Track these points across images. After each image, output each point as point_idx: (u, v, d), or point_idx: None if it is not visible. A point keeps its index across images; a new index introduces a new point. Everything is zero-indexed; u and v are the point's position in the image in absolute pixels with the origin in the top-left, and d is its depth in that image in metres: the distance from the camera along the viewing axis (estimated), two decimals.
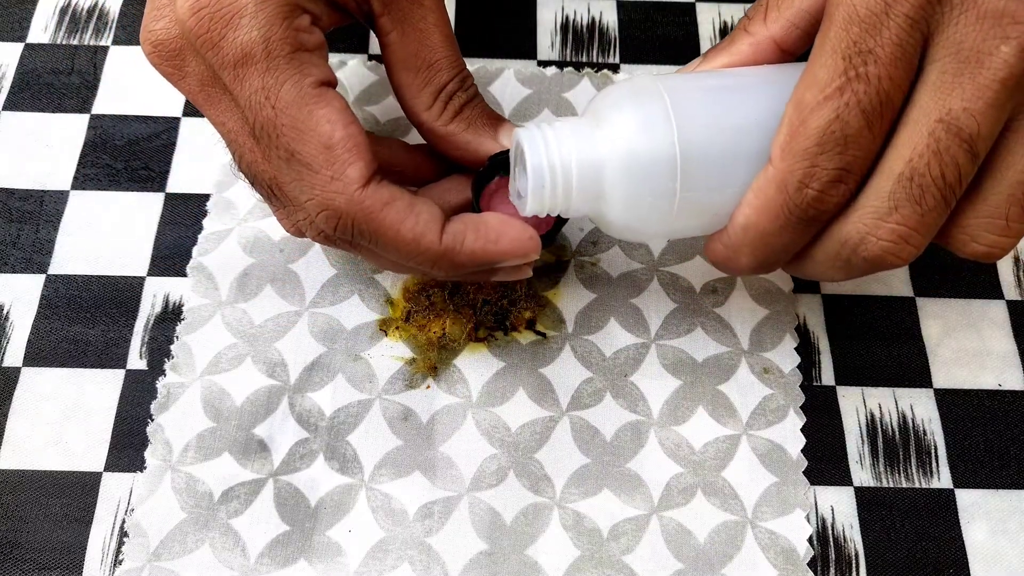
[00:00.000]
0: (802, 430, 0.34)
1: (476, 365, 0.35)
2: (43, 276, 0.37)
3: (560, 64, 0.43)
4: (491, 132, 0.33)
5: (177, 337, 0.36)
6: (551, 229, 0.33)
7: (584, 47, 0.43)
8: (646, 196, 0.28)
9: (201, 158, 0.40)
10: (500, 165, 0.32)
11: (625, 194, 0.29)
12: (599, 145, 0.29)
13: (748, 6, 0.44)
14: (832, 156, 0.26)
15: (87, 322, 0.36)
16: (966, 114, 0.25)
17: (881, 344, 0.37)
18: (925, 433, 0.35)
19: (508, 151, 0.32)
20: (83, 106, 0.41)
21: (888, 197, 0.26)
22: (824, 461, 0.34)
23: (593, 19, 0.44)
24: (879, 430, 0.35)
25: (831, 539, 0.33)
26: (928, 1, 0.25)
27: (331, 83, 0.29)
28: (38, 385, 0.35)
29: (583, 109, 0.31)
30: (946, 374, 0.36)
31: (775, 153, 0.27)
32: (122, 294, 0.37)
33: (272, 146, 0.28)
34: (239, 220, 0.38)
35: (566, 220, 0.33)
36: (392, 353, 0.35)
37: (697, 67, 0.31)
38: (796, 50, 0.30)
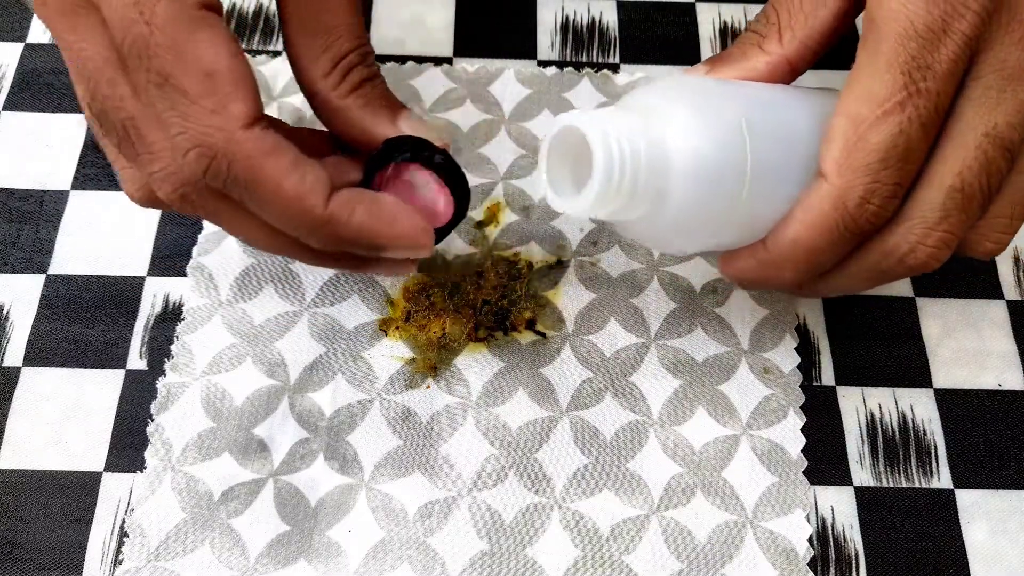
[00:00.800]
0: (802, 430, 0.34)
1: (476, 365, 0.35)
2: (43, 276, 0.37)
3: (560, 64, 0.43)
4: (389, 115, 0.30)
5: (177, 337, 0.36)
6: (444, 226, 0.31)
7: (584, 47, 0.43)
8: (709, 201, 0.27)
9: None
10: (396, 149, 0.30)
11: (687, 198, 0.27)
12: (667, 145, 0.27)
13: (748, 6, 0.44)
14: (893, 171, 0.26)
15: (87, 322, 0.36)
16: (1009, 128, 0.26)
17: (881, 344, 0.37)
18: (925, 433, 0.35)
19: (407, 137, 0.30)
20: None
21: (939, 207, 0.27)
22: (824, 461, 0.34)
23: (593, 19, 0.44)
24: (879, 430, 0.35)
25: (831, 539, 0.33)
26: (983, 20, 0.26)
27: (216, 8, 0.26)
28: (38, 385, 0.35)
29: (622, 103, 0.29)
30: (946, 374, 0.36)
31: (829, 169, 0.27)
32: (122, 294, 0.37)
33: (142, 69, 0.25)
34: None
35: (462, 218, 0.31)
36: (392, 353, 0.35)
37: (708, 75, 0.30)
38: (804, 69, 0.30)
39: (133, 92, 0.26)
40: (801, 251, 0.28)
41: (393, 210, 0.28)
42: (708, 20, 0.44)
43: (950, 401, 0.36)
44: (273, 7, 0.30)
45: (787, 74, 0.30)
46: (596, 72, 0.42)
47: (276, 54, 0.42)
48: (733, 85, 0.29)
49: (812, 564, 0.32)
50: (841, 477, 0.34)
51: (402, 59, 0.42)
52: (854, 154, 0.26)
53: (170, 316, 0.36)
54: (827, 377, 0.36)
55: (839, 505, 0.34)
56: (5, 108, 0.41)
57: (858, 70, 0.27)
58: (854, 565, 0.33)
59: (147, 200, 0.29)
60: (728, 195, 0.27)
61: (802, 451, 0.34)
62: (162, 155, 0.26)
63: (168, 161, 0.26)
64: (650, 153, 0.27)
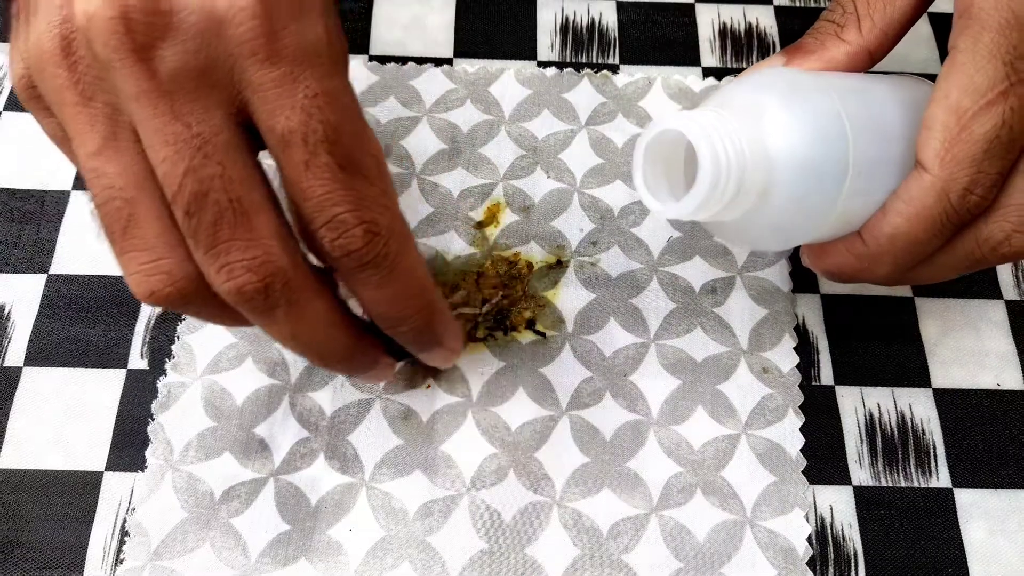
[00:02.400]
0: (801, 430, 0.35)
1: (476, 365, 0.35)
2: (44, 276, 0.37)
3: (560, 65, 0.43)
4: None
5: (178, 337, 0.36)
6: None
7: (584, 48, 0.43)
8: (812, 197, 0.27)
9: None
10: None
11: (790, 195, 0.27)
12: (769, 142, 0.27)
13: (748, 7, 0.45)
14: (995, 160, 0.26)
15: (88, 322, 0.36)
16: None
17: (880, 344, 0.37)
18: (924, 433, 0.35)
19: None
20: None
21: None
22: (823, 460, 0.34)
23: (593, 20, 0.44)
24: (878, 430, 0.35)
25: (830, 538, 0.33)
26: None
27: None
28: (39, 385, 0.35)
29: (712, 102, 0.29)
30: (945, 374, 0.36)
31: (930, 161, 0.27)
32: (123, 294, 0.37)
33: (335, 154, 0.24)
34: None
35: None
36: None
37: (786, 67, 0.30)
38: (881, 58, 0.30)
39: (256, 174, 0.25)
40: (901, 244, 0.28)
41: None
42: (708, 21, 0.44)
43: (949, 401, 0.36)
44: None
45: (866, 64, 0.30)
46: (596, 73, 0.42)
47: None
48: (824, 77, 0.29)
49: (811, 563, 0.32)
50: (840, 476, 0.34)
51: (402, 60, 0.42)
52: (957, 145, 0.26)
53: (171, 316, 0.36)
54: (826, 377, 0.36)
55: (838, 504, 0.34)
56: (6, 108, 0.41)
57: (956, 60, 0.27)
58: (853, 564, 0.33)
59: (187, 291, 0.25)
60: (830, 190, 0.27)
61: (801, 450, 0.34)
62: (263, 241, 0.24)
63: (269, 247, 0.24)
64: (753, 152, 0.26)
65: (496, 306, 0.36)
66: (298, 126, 0.23)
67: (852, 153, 0.27)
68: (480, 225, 0.38)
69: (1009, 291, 0.38)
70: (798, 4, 0.45)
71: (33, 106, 0.26)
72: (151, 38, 0.23)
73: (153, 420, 0.34)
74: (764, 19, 0.44)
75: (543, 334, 0.36)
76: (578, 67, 0.43)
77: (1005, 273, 0.39)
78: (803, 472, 0.34)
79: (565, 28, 0.44)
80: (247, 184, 0.24)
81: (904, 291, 0.38)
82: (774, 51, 0.43)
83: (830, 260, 0.30)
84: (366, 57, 0.43)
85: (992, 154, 0.26)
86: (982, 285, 0.38)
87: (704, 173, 0.26)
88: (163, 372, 0.35)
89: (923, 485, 0.34)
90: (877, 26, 0.29)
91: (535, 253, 0.38)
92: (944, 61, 0.27)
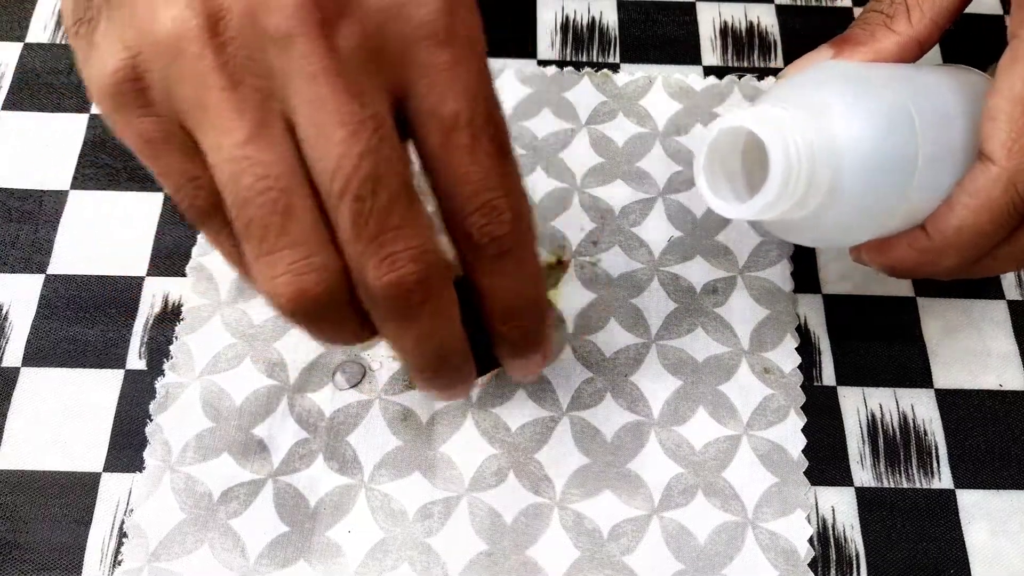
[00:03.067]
0: (803, 430, 0.34)
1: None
2: (42, 276, 0.37)
3: (560, 64, 0.43)
4: None
5: (176, 337, 0.36)
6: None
7: (584, 47, 0.43)
8: (880, 192, 0.27)
9: None
10: None
11: (859, 191, 0.27)
12: (837, 138, 0.26)
13: (748, 6, 0.44)
14: None
15: (86, 322, 0.36)
16: None
17: (882, 344, 0.37)
18: (926, 433, 0.35)
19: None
20: (83, 106, 0.41)
21: None
22: (825, 461, 0.34)
23: (593, 19, 0.44)
24: (880, 430, 0.35)
25: (832, 539, 0.33)
26: None
27: None
28: (37, 385, 0.35)
29: (772, 97, 0.28)
30: (947, 374, 0.36)
31: (996, 152, 0.27)
32: (121, 294, 0.37)
33: (495, 139, 0.24)
34: None
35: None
36: (392, 353, 0.35)
37: (836, 59, 0.30)
38: (930, 48, 0.30)
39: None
40: (967, 236, 0.28)
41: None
42: (708, 20, 0.44)
43: (951, 401, 0.36)
44: None
45: (916, 54, 0.29)
46: (596, 71, 0.42)
47: None
48: (886, 68, 0.29)
49: (813, 565, 0.32)
50: (842, 477, 0.34)
51: None
52: None
53: (169, 316, 0.36)
54: (828, 377, 0.36)
55: (840, 505, 0.33)
56: (4, 108, 0.41)
57: (1020, 50, 0.27)
58: (855, 566, 0.32)
59: (336, 292, 0.23)
60: (899, 184, 0.27)
61: (803, 451, 0.34)
62: (426, 229, 0.23)
63: (430, 236, 0.23)
64: (822, 148, 0.26)
65: None
66: (465, 109, 0.23)
67: (921, 146, 0.27)
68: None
69: (1011, 291, 0.38)
70: (799, 3, 0.45)
71: (129, 102, 0.23)
72: (335, 13, 0.22)
73: (151, 421, 0.34)
74: (765, 18, 0.44)
75: None
76: (578, 66, 0.43)
77: (1007, 273, 0.38)
78: (805, 473, 0.34)
79: (565, 27, 0.44)
80: (411, 169, 0.23)
81: (906, 291, 0.38)
82: (775, 50, 0.43)
83: (893, 255, 0.30)
84: None
85: None
86: (984, 285, 0.38)
87: (775, 171, 0.26)
88: (161, 372, 0.35)
89: (925, 486, 0.34)
90: (927, 15, 0.29)
91: None
92: (1005, 51, 0.27)
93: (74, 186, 0.39)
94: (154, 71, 0.23)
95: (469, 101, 0.23)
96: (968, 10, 0.30)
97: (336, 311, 0.24)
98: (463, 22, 0.24)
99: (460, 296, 0.25)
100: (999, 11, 0.45)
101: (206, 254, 0.37)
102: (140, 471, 0.33)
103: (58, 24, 0.43)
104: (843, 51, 0.30)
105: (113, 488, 0.33)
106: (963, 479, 0.34)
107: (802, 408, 0.35)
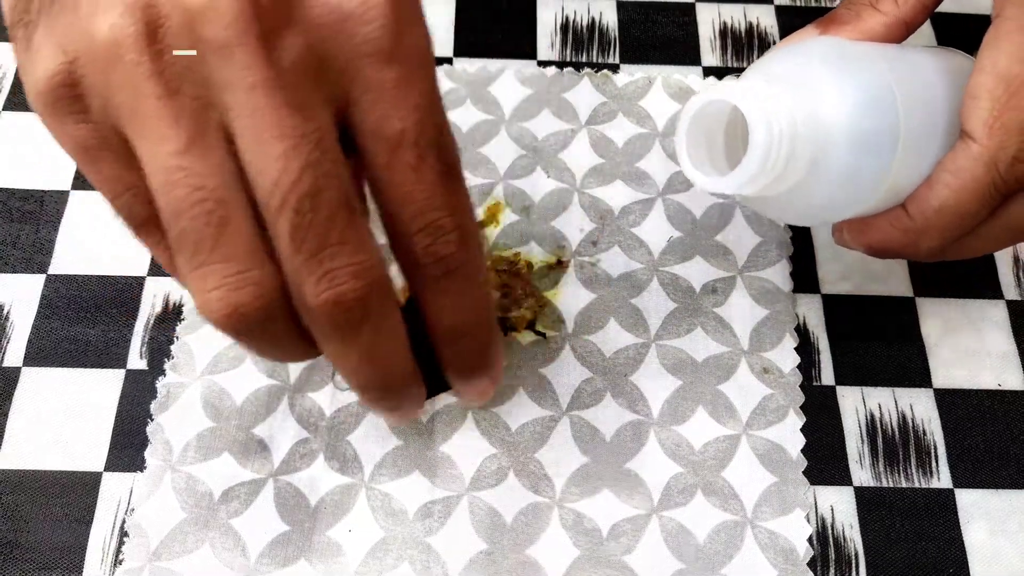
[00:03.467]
0: (802, 430, 0.34)
1: None
2: (43, 276, 0.37)
3: (560, 64, 0.43)
4: None
5: (177, 337, 0.36)
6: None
7: (584, 47, 0.43)
8: (862, 169, 0.27)
9: None
10: None
11: (841, 167, 0.27)
12: (820, 113, 0.26)
13: (748, 6, 0.44)
14: None
15: (87, 322, 0.36)
16: None
17: (881, 344, 0.37)
18: (925, 433, 0.35)
19: None
20: None
21: None
22: (824, 461, 0.34)
23: (593, 19, 0.44)
24: (879, 430, 0.35)
25: (831, 539, 0.33)
26: None
27: None
28: (38, 385, 0.35)
29: (756, 72, 0.28)
30: (946, 374, 0.36)
31: (978, 131, 0.27)
32: (122, 294, 0.37)
33: (441, 158, 0.23)
34: None
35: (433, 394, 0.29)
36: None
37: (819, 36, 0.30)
38: (918, 27, 0.30)
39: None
40: (948, 216, 0.28)
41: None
42: (708, 20, 0.44)
43: (950, 401, 0.36)
44: None
45: (902, 35, 0.29)
46: (596, 72, 0.42)
47: None
48: (871, 46, 0.29)
49: (812, 564, 0.32)
50: (841, 477, 0.34)
51: None
52: (1006, 113, 0.26)
53: (170, 316, 0.36)
54: (827, 377, 0.36)
55: (839, 505, 0.34)
56: (5, 108, 0.41)
57: (1003, 28, 0.27)
58: (854, 565, 0.33)
59: (274, 307, 0.23)
60: (881, 161, 0.27)
61: (802, 451, 0.34)
62: (368, 244, 0.23)
63: (373, 251, 0.23)
64: (804, 122, 0.26)
65: (496, 306, 0.36)
66: (412, 127, 0.23)
67: (903, 124, 0.27)
68: (480, 225, 0.38)
69: (1010, 291, 0.38)
70: (799, 3, 0.45)
71: (64, 108, 0.23)
72: (276, 25, 0.21)
73: (152, 420, 0.34)
74: (765, 18, 0.44)
75: (543, 334, 0.36)
76: (578, 66, 0.43)
77: (1006, 273, 0.38)
78: (804, 472, 0.34)
79: (565, 27, 0.44)
80: (351, 185, 0.22)
81: (905, 291, 0.38)
82: None
83: (873, 235, 0.30)
84: None
85: None
86: (983, 285, 0.38)
87: (756, 144, 0.26)
88: (162, 372, 0.35)
89: (924, 486, 0.34)
90: None
91: (535, 253, 0.38)
92: (987, 30, 0.27)
93: (75, 186, 0.39)
94: (91, 77, 0.22)
95: (416, 120, 0.23)
96: (965, 10, 0.30)
97: (273, 328, 0.23)
98: (410, 38, 0.23)
99: (410, 316, 0.25)
100: None
101: None
102: (141, 471, 0.33)
103: None
104: (828, 30, 0.30)
105: (114, 487, 0.33)
106: (962, 479, 0.34)
107: (801, 408, 0.35)
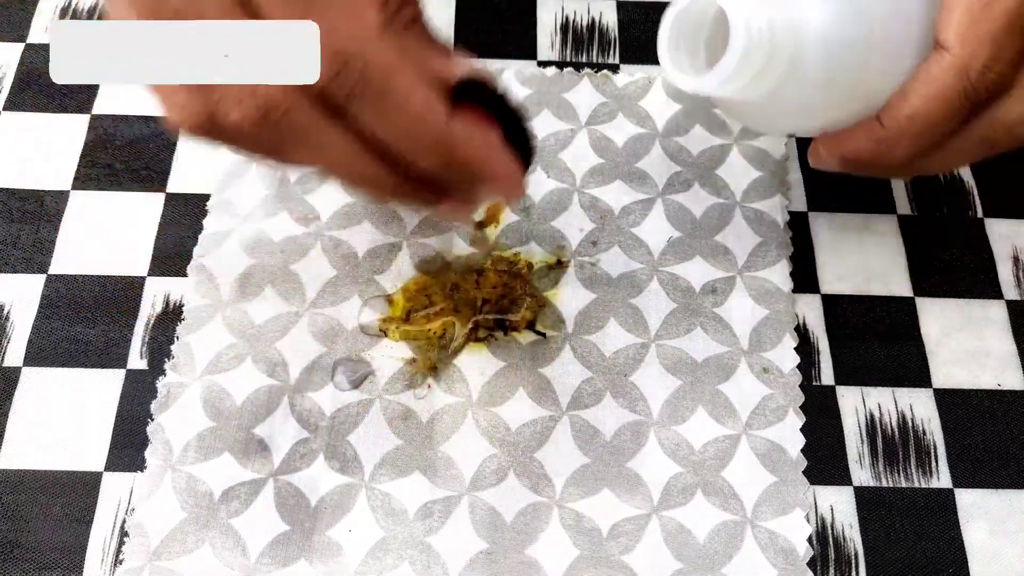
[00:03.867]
0: (801, 430, 0.34)
1: (476, 365, 0.35)
2: (43, 276, 0.37)
3: (560, 64, 0.43)
4: (444, 55, 0.29)
5: (177, 337, 0.36)
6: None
7: (584, 47, 0.43)
8: (838, 73, 0.28)
9: (202, 158, 0.40)
10: (463, 94, 0.27)
11: (817, 70, 0.28)
12: (799, 15, 0.27)
13: None
14: (1017, 38, 0.27)
15: (88, 322, 0.36)
16: None
17: (880, 344, 0.37)
18: (924, 433, 0.35)
19: (471, 82, 0.28)
20: (84, 106, 0.41)
21: None
22: (824, 461, 0.34)
23: (593, 19, 0.44)
24: (878, 430, 0.35)
25: (831, 539, 0.33)
26: None
27: None
28: (39, 385, 0.35)
29: None
30: (945, 374, 0.36)
31: (951, 40, 0.27)
32: (122, 294, 0.37)
33: None
34: (240, 220, 0.38)
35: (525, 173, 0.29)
36: (392, 353, 0.35)
37: None
38: None
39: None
40: (919, 125, 0.28)
41: (500, 145, 0.27)
42: None
43: (949, 401, 0.36)
44: None
45: None
46: (596, 72, 0.42)
47: None
48: None
49: (812, 564, 0.32)
50: (841, 477, 0.34)
51: None
52: (978, 23, 0.27)
53: (170, 316, 0.36)
54: (827, 377, 0.36)
55: (839, 505, 0.34)
56: (5, 108, 0.41)
57: None
58: (854, 565, 0.33)
59: (204, 123, 0.24)
60: (856, 66, 0.28)
61: (802, 451, 0.34)
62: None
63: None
64: (784, 23, 0.27)
65: (496, 306, 0.36)
66: None
67: (879, 31, 0.27)
68: (480, 225, 0.38)
69: (1010, 291, 0.38)
70: None
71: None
72: None
73: (152, 420, 0.34)
74: None
75: (543, 334, 0.36)
76: (578, 67, 0.43)
77: (1006, 273, 0.38)
78: (804, 472, 0.34)
79: (565, 27, 0.44)
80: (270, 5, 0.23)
81: (905, 291, 0.38)
82: None
83: (847, 145, 0.30)
84: None
85: (1012, 31, 0.26)
86: (983, 285, 0.38)
87: (735, 42, 0.26)
88: (162, 372, 0.35)
89: (924, 485, 0.34)
90: None
91: (535, 253, 0.38)
92: None
93: (75, 186, 0.39)
94: None
95: None
96: None
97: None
98: None
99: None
100: None
101: (207, 254, 0.37)
102: (141, 470, 0.33)
103: None
104: None
105: (114, 487, 0.33)
106: (961, 478, 0.34)
107: (801, 408, 0.35)
